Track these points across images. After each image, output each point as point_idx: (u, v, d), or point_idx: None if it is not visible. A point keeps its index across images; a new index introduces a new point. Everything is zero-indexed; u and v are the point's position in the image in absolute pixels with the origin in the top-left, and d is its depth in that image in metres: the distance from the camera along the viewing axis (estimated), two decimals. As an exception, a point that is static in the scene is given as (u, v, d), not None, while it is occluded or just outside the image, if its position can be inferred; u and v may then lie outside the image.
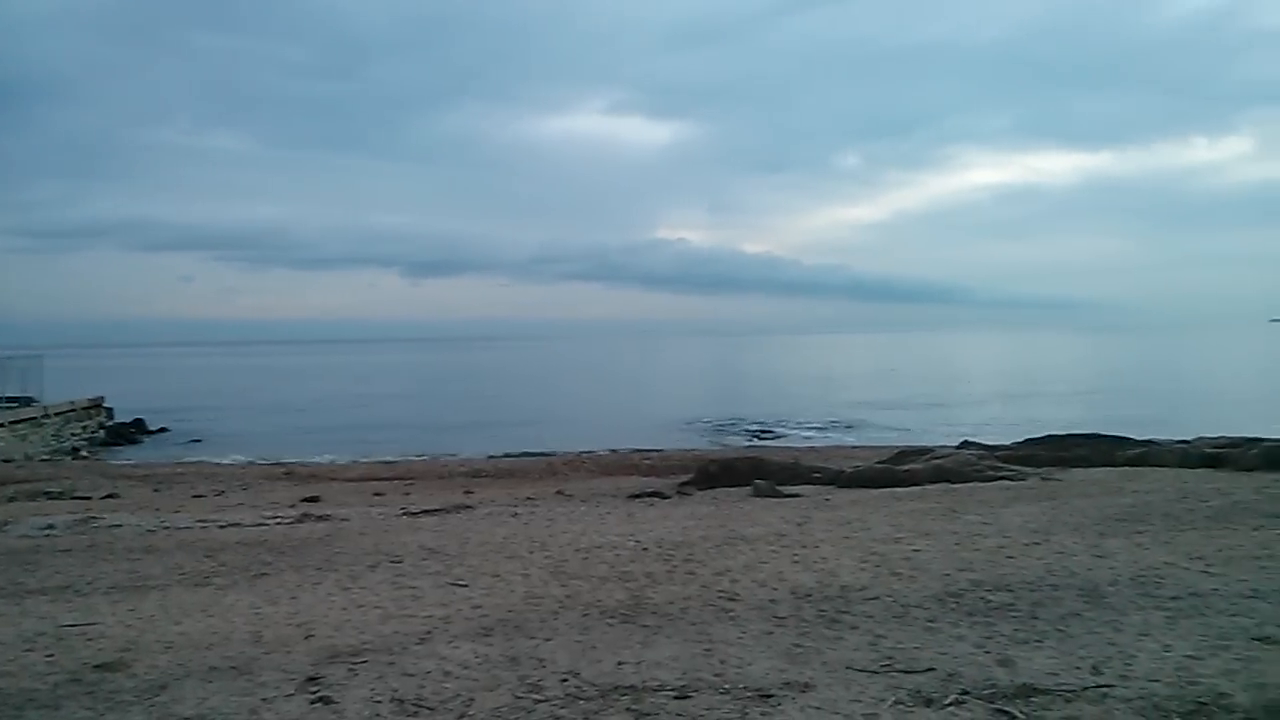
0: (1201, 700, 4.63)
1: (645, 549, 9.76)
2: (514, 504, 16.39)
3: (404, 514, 14.61)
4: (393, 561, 9.51)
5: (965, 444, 25.42)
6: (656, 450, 31.09)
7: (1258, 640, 5.69)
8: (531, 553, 9.76)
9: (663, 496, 17.64)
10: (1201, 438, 23.81)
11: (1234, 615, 6.32)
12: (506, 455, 31.09)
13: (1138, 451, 21.83)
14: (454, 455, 31.50)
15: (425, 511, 14.71)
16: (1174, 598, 6.88)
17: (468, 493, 20.30)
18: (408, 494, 20.70)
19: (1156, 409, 42.12)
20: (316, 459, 30.87)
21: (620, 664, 5.67)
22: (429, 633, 6.62)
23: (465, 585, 8.23)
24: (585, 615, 6.99)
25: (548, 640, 6.28)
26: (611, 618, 6.89)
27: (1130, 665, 5.27)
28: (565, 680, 5.38)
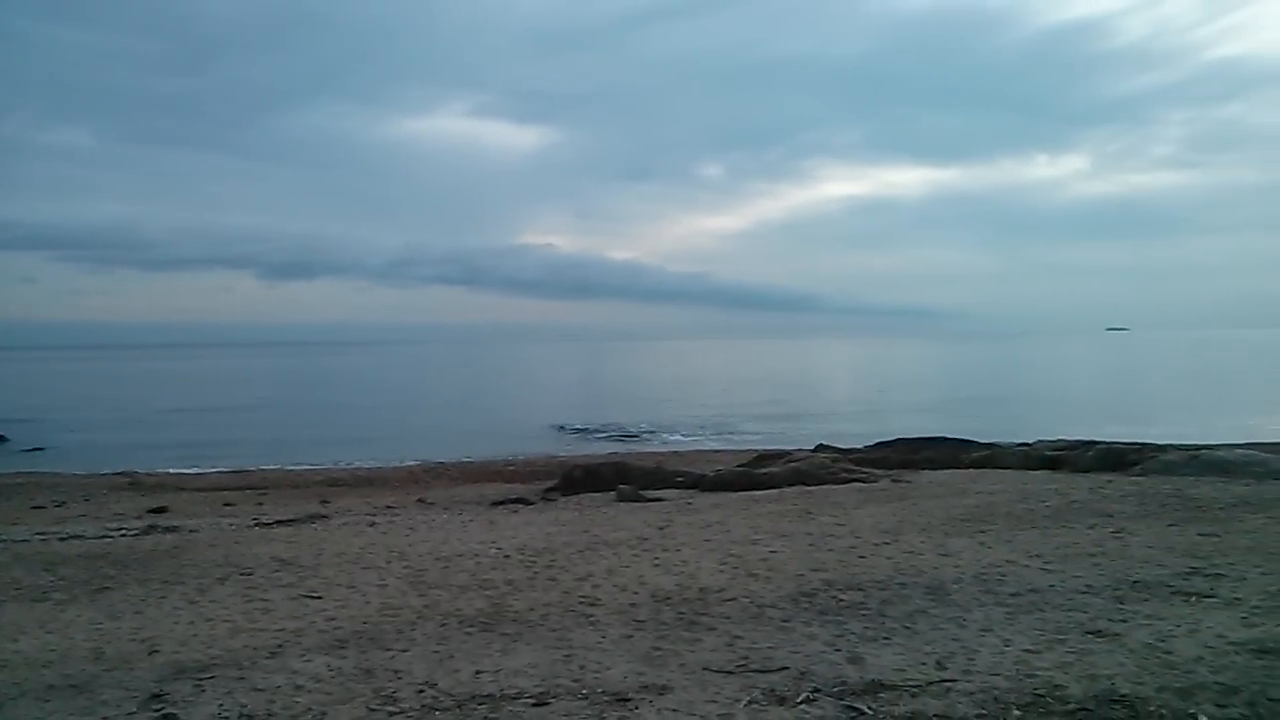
0: (1038, 692, 4.85)
1: (507, 556, 9.70)
2: (372, 513, 16.08)
3: (256, 525, 14.19)
4: (243, 574, 9.21)
5: (821, 447, 26.11)
6: (521, 456, 30.92)
7: (1090, 634, 5.99)
8: (389, 563, 9.58)
9: (526, 503, 17.59)
10: (1041, 441, 25.05)
11: (1069, 610, 6.65)
12: (365, 463, 30.43)
13: (982, 454, 22.81)
14: (310, 464, 30.64)
15: (279, 522, 14.33)
16: (1014, 594, 7.19)
17: (324, 502, 19.80)
18: (260, 504, 20.06)
19: (1000, 413, 44.05)
20: (164, 468, 29.59)
21: (478, 673, 5.61)
22: (280, 646, 6.43)
23: (319, 597, 8.03)
24: (444, 625, 6.90)
25: (404, 651, 6.18)
26: (471, 626, 6.82)
27: (973, 660, 5.48)
28: (421, 691, 5.29)
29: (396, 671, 5.69)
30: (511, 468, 27.36)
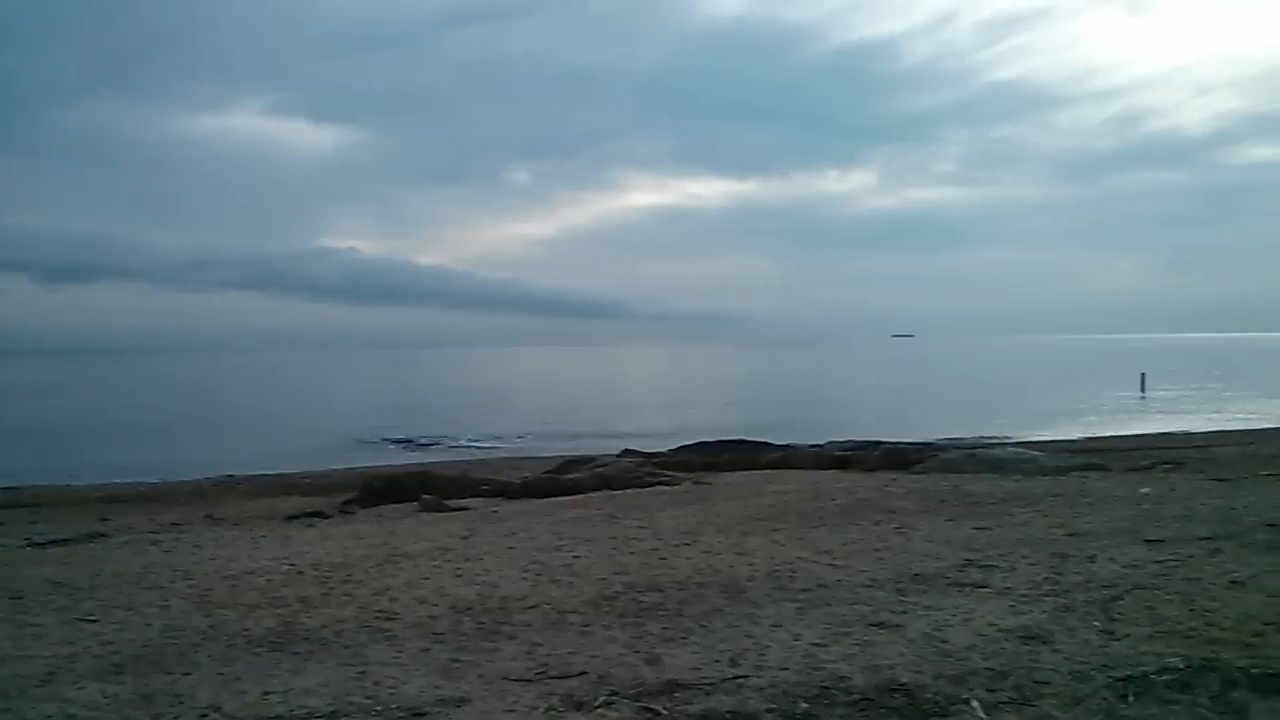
0: (824, 684, 5.04)
1: (301, 572, 9.34)
2: (156, 530, 15.18)
3: (28, 544, 13.18)
4: (12, 597, 8.51)
5: (627, 452, 26.40)
6: (318, 469, 29.85)
7: (874, 626, 6.28)
8: (173, 582, 9.06)
9: (323, 516, 17.02)
10: (832, 441, 26.21)
11: (855, 604, 6.95)
12: (149, 478, 28.65)
13: (778, 455, 23.63)
14: (89, 479, 28.60)
15: (53, 541, 13.34)
16: (804, 590, 7.47)
17: (103, 519, 18.49)
18: (33, 522, 18.54)
19: (796, 415, 45.72)
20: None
21: (266, 694, 5.37)
22: (52, 674, 5.98)
23: (95, 620, 7.51)
24: (230, 646, 6.58)
25: (186, 674, 5.85)
26: (259, 646, 6.53)
27: (764, 655, 5.65)
28: (204, 715, 5.04)
29: (178, 696, 5.39)
30: (308, 480, 26.36)
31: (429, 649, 6.27)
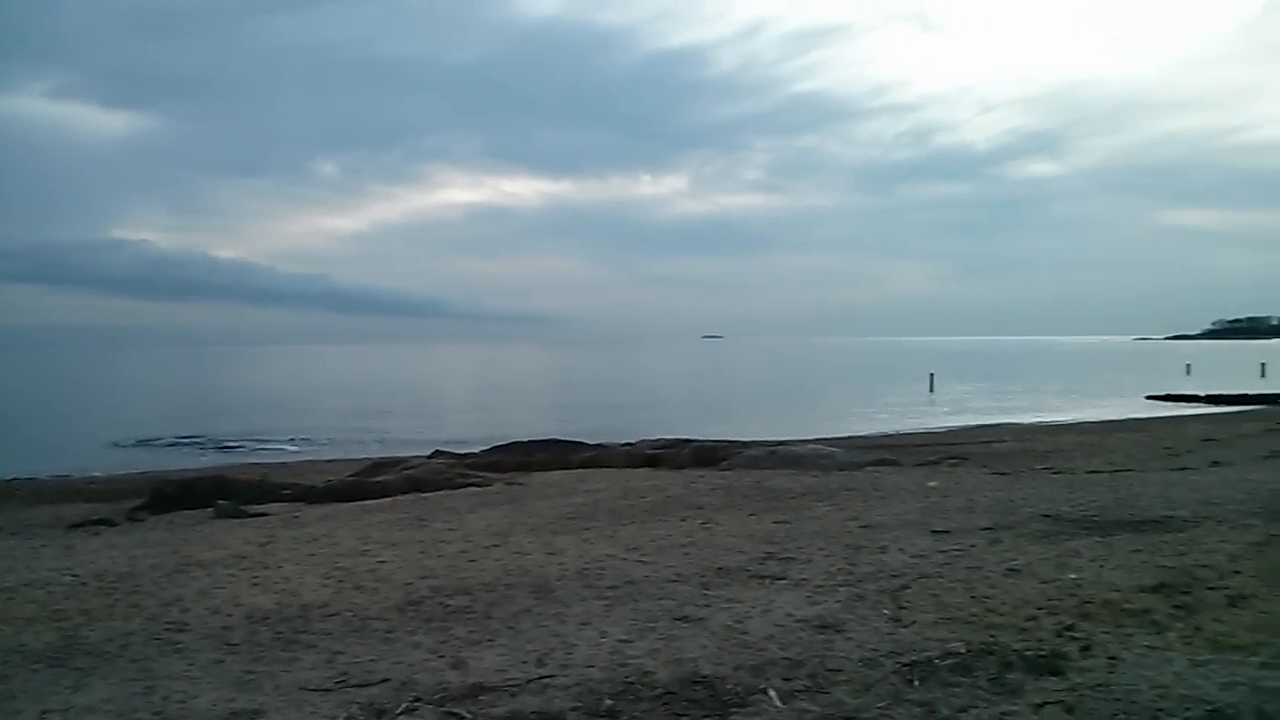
0: (629, 680, 5.10)
1: (84, 583, 8.77)
2: (-86, 543, 13.91)
3: None
4: None
5: (437, 453, 26.04)
6: (105, 473, 28.11)
7: (678, 620, 6.40)
8: (-62, 598, 8.33)
9: (110, 524, 16.11)
10: (644, 440, 26.62)
11: (660, 599, 7.06)
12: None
13: (591, 454, 23.82)
14: None
15: None
16: (612, 587, 7.54)
17: None
18: None
19: (609, 415, 46.20)
20: None
21: (45, 713, 5.03)
22: None
23: None
24: (4, 663, 6.11)
25: (-52, 699, 5.39)
26: (37, 663, 6.09)
27: (571, 654, 5.67)
28: (-29, 741, 4.65)
29: (-62, 724, 4.96)
30: (94, 485, 24.80)
31: (222, 661, 6.01)
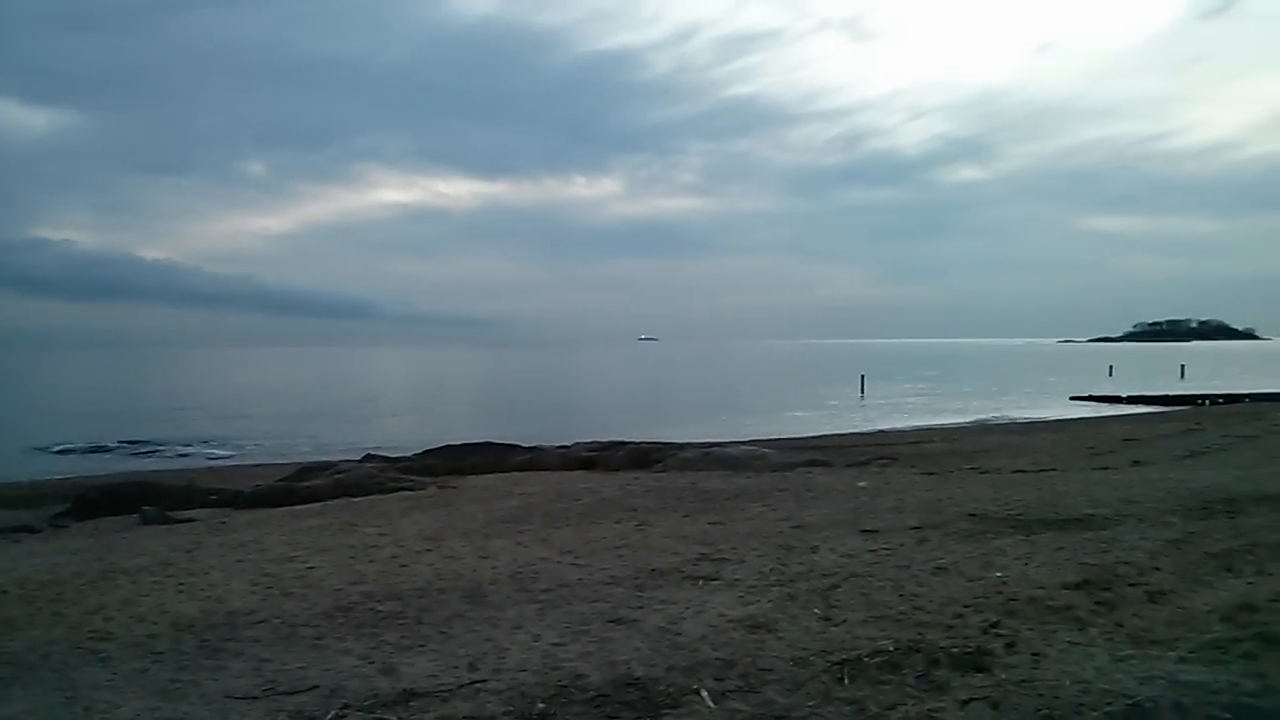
0: (562, 684, 5.08)
1: (4, 591, 8.57)
2: None
3: None
4: None
5: (369, 457, 25.76)
6: (25, 479, 27.28)
7: (612, 622, 6.40)
8: None
9: (31, 531, 15.79)
10: (579, 442, 26.58)
11: (594, 601, 7.05)
12: None
13: (526, 457, 23.72)
14: None
15: None
16: (546, 590, 7.51)
17: None
18: None
19: (545, 417, 46.05)
20: None
21: (-40, 725, 4.88)
22: None
23: None
24: (-79, 674, 5.92)
25: None
26: (-49, 677, 5.90)
27: (504, 658, 5.64)
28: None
29: None
30: (16, 492, 24.00)
31: (147, 669, 5.90)
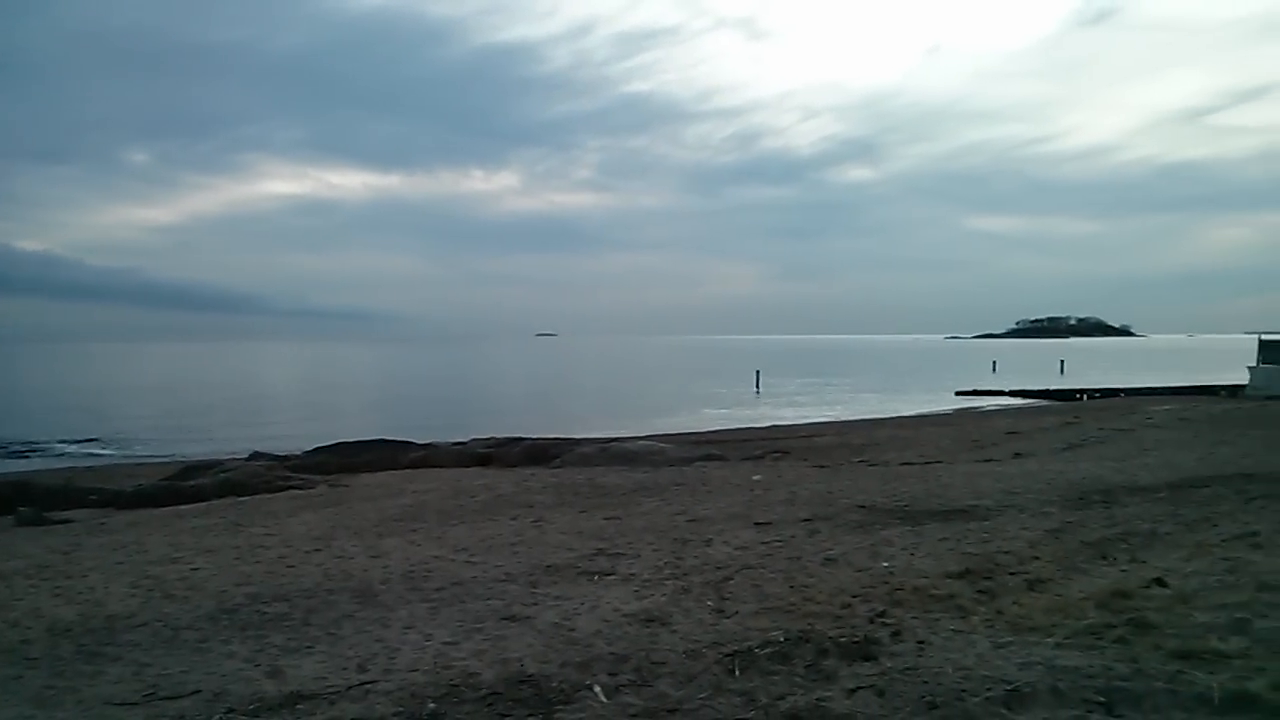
0: (454, 683, 5.02)
1: None
2: None
3: None
4: None
5: (256, 455, 25.09)
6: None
7: (505, 619, 6.36)
8: None
9: (-106, 535, 14.86)
10: (475, 439, 26.31)
11: (488, 599, 7.00)
12: None
13: (420, 454, 23.41)
14: None
15: None
16: (439, 589, 7.43)
17: None
18: None
19: (439, 413, 45.43)
20: None
21: None
22: None
23: None
24: None
25: None
26: None
27: (394, 659, 5.55)
28: None
29: None
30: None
31: (20, 676, 5.68)
